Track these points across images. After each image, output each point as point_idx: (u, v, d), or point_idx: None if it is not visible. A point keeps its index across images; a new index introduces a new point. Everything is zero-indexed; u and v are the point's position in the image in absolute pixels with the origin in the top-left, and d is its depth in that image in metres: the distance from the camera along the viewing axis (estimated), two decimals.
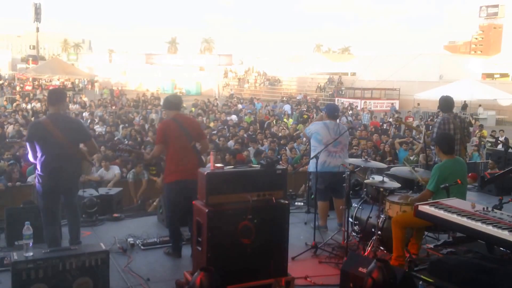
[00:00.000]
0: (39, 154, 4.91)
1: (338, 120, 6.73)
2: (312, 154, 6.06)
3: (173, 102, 5.40)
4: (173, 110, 5.36)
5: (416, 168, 6.54)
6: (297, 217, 6.84)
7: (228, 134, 14.48)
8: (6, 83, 38.14)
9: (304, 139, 11.82)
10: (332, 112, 6.38)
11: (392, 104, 33.28)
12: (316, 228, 5.84)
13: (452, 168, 4.83)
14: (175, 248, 5.33)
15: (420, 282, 3.86)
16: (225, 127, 16.46)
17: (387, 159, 11.84)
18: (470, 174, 9.14)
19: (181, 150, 5.13)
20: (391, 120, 20.33)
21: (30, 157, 5.07)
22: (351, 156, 8.97)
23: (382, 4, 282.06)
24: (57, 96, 5.19)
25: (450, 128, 6.21)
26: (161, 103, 26.99)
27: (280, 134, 14.97)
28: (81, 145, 5.29)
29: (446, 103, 6.49)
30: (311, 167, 6.13)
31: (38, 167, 4.94)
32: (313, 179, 6.17)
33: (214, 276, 3.66)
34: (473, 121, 21.98)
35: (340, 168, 5.97)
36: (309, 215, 6.77)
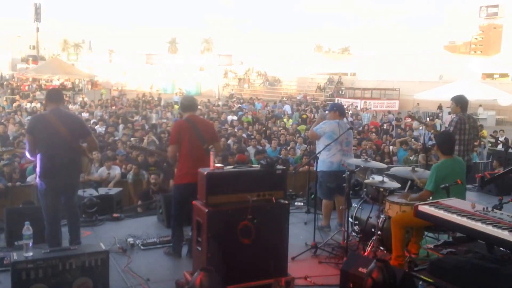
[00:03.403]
0: (39, 149, 4.90)
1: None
2: (325, 153, 6.07)
3: (184, 104, 5.42)
4: (187, 112, 5.37)
5: (416, 168, 6.54)
6: (297, 217, 6.84)
7: (229, 132, 14.54)
8: (6, 83, 38.07)
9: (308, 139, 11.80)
10: (344, 110, 6.55)
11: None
12: (318, 228, 5.84)
13: (450, 168, 4.83)
14: (175, 248, 5.33)
15: (420, 282, 3.86)
16: (223, 126, 16.50)
17: (385, 160, 11.80)
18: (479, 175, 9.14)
19: (194, 151, 5.12)
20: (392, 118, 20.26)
21: (27, 152, 5.06)
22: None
23: (382, 4, 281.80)
24: (56, 94, 5.21)
25: (466, 128, 6.23)
26: (162, 103, 27.19)
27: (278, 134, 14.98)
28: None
29: (464, 103, 6.45)
30: (324, 166, 6.12)
31: (39, 163, 4.94)
32: (323, 178, 6.17)
33: (214, 276, 3.66)
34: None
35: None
36: (309, 215, 6.77)
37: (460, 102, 6.43)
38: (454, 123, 6.28)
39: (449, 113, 13.59)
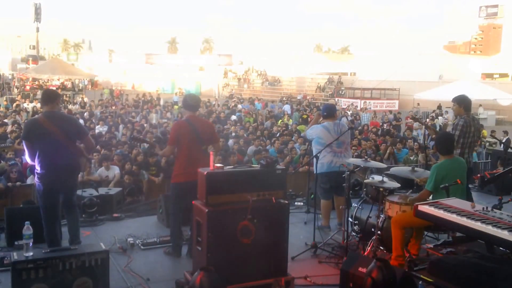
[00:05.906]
0: (36, 153, 4.92)
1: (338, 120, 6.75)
2: (318, 155, 6.08)
3: (189, 103, 5.39)
4: (188, 111, 5.38)
5: (416, 168, 6.54)
6: (297, 217, 6.84)
7: (232, 133, 14.54)
8: (7, 83, 38.10)
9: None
10: (328, 112, 6.39)
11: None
12: (318, 228, 5.84)
13: (450, 167, 4.83)
14: (175, 247, 5.34)
15: (420, 282, 3.86)
16: (223, 126, 16.49)
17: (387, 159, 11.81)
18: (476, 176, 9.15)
19: (192, 151, 5.13)
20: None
21: (27, 157, 5.08)
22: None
23: (382, 4, 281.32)
24: (49, 95, 5.21)
25: (471, 130, 5.90)
26: (161, 103, 27.17)
27: (277, 134, 14.99)
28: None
29: (467, 103, 6.07)
30: (317, 168, 6.12)
31: (37, 165, 4.95)
32: (318, 179, 6.18)
33: (214, 276, 3.66)
34: None
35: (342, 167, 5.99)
36: (309, 215, 6.77)
37: (463, 103, 6.00)
38: (460, 127, 5.87)
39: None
